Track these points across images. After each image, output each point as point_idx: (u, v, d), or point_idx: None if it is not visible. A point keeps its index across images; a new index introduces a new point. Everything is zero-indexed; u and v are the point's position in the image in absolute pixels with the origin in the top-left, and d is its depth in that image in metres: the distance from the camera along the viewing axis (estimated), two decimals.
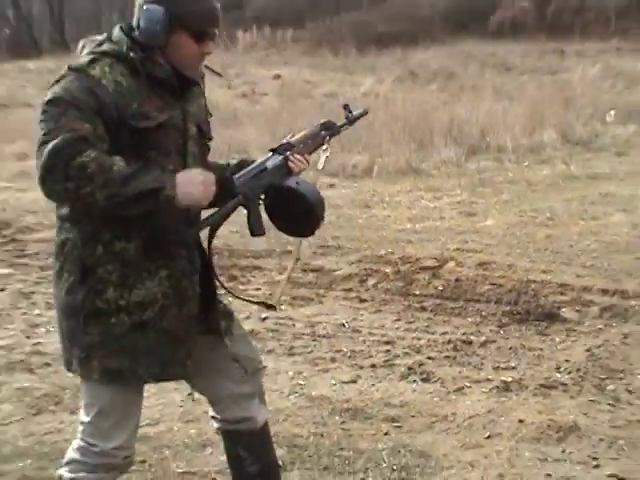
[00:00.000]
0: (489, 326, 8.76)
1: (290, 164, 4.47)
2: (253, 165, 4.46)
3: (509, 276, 10.25)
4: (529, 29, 43.41)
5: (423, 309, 9.39)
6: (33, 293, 10.50)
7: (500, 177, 17.82)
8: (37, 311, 9.79)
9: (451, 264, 10.79)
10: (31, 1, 74.83)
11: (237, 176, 4.36)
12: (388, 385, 7.33)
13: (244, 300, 4.83)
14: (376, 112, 25.19)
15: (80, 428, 4.31)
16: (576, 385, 7.14)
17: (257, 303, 5.04)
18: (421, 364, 7.78)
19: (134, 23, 4.11)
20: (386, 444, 6.14)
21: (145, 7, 4.01)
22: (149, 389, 6.74)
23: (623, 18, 42.20)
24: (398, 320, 9.01)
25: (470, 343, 8.29)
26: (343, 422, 6.54)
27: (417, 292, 9.96)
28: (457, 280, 10.23)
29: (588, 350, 7.90)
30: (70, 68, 3.99)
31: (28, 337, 8.87)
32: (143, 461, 5.93)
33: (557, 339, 8.30)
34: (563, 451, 5.96)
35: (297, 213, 4.43)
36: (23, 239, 13.71)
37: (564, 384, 7.17)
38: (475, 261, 10.94)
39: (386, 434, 6.34)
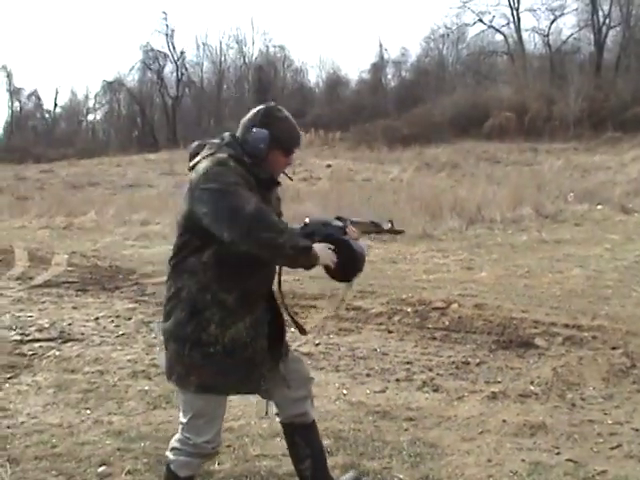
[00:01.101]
0: (482, 351, 8.72)
1: (347, 230, 4.50)
2: (322, 217, 4.61)
3: (497, 314, 10.18)
4: (512, 133, 43.47)
5: (434, 338, 9.35)
6: (151, 322, 10.56)
7: (491, 241, 17.77)
8: (153, 335, 9.85)
9: (455, 305, 10.74)
10: (153, 110, 75.86)
11: (310, 218, 4.55)
12: (408, 394, 7.31)
13: (292, 319, 4.75)
14: (400, 193, 25.46)
15: (180, 426, 4.41)
16: (544, 394, 7.10)
17: (297, 325, 4.84)
18: (432, 379, 7.76)
19: (239, 135, 4.29)
20: (406, 437, 6.13)
21: (254, 129, 4.20)
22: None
23: (579, 126, 42.33)
24: (416, 346, 8.98)
25: (468, 364, 8.25)
26: (375, 421, 6.52)
27: (430, 326, 9.92)
28: (459, 317, 10.18)
29: (554, 369, 7.84)
30: (219, 163, 4.08)
31: (147, 354, 8.93)
32: (229, 446, 5.94)
33: (531, 361, 8.25)
34: (534, 442, 5.94)
35: (346, 263, 4.38)
36: (144, 282, 13.83)
37: (536, 394, 7.13)
38: (472, 303, 10.87)
39: (406, 430, 6.32)
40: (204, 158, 4.18)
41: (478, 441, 6.06)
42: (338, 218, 4.59)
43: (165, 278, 4.38)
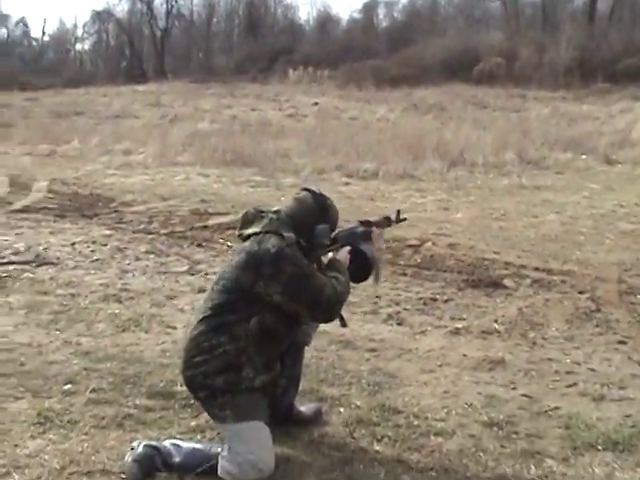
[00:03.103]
0: (451, 289, 8.84)
1: (372, 232, 4.95)
2: (349, 226, 5.00)
3: (469, 254, 10.34)
4: (501, 78, 43.24)
5: (405, 274, 9.49)
6: (126, 249, 10.67)
7: (471, 184, 17.86)
8: (127, 262, 9.96)
9: (428, 244, 10.87)
10: (142, 42, 75.18)
11: (339, 231, 4.88)
12: (372, 326, 7.44)
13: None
14: (385, 132, 25.40)
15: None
16: (507, 332, 7.23)
17: (341, 317, 4.92)
18: (398, 312, 7.90)
19: (291, 215, 4.58)
20: (366, 367, 6.25)
21: (319, 227, 4.59)
22: None
23: (569, 75, 42.00)
24: (385, 281, 9.04)
25: (435, 300, 8.37)
26: (337, 350, 6.64)
27: (402, 262, 10.04)
28: (431, 255, 10.33)
29: (519, 309, 7.97)
30: (290, 244, 4.34)
31: (120, 279, 9.04)
32: None
33: (498, 300, 8.36)
34: (492, 377, 6.06)
35: (359, 267, 4.84)
36: (123, 210, 13.94)
37: (499, 331, 7.25)
38: (446, 242, 11.02)
39: (367, 360, 6.44)
40: (267, 233, 4.37)
41: (437, 373, 6.18)
42: (361, 222, 5.03)
43: (193, 328, 4.41)
